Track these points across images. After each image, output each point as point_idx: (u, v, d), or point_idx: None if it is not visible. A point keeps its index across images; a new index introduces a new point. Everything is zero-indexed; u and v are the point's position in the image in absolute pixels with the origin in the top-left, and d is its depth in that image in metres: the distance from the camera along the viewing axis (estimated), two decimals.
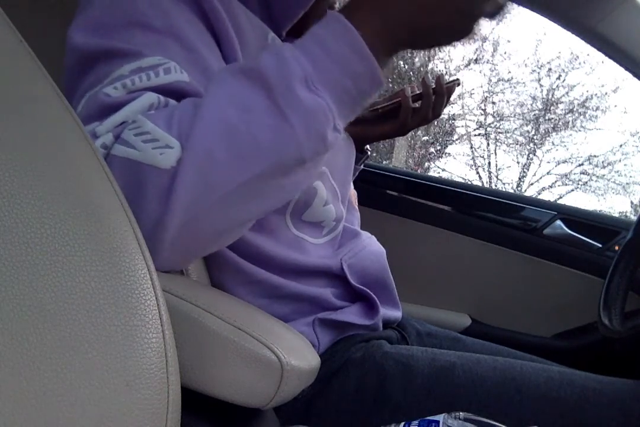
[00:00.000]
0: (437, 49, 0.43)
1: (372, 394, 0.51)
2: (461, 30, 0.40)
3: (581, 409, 0.47)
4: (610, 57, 0.84)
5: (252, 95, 0.36)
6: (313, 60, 0.37)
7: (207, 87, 0.38)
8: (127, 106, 0.38)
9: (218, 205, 0.36)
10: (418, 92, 0.71)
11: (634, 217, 2.70)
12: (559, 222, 1.16)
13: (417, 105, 0.72)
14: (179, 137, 0.35)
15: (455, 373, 0.51)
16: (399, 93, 0.72)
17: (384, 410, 0.50)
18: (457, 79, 0.73)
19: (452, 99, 0.75)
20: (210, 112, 0.35)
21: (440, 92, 0.71)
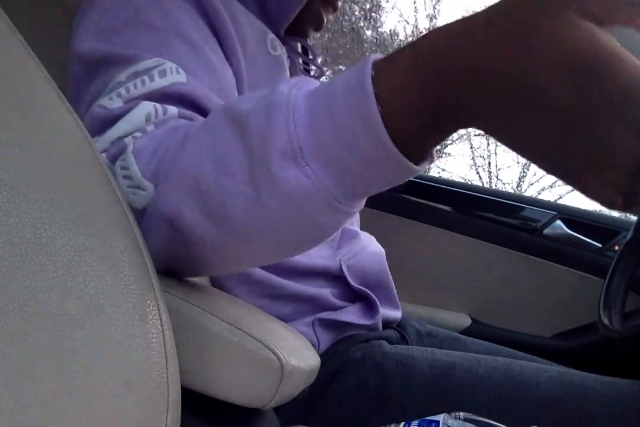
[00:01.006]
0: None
1: (372, 394, 0.51)
2: (618, 151, 0.21)
3: (581, 409, 0.47)
4: None
5: (233, 151, 0.29)
6: (312, 125, 0.27)
7: (202, 123, 0.33)
8: (122, 120, 0.37)
9: (194, 253, 0.33)
10: None
11: (634, 217, 2.70)
12: (559, 222, 1.16)
13: None
14: (153, 180, 0.33)
15: (455, 373, 0.51)
16: None
17: (384, 410, 0.50)
18: None
19: None
20: (187, 162, 0.31)
21: None
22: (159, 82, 0.39)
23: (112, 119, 0.37)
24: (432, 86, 0.25)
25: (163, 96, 0.39)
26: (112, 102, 0.38)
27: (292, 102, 0.28)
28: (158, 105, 0.38)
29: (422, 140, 0.27)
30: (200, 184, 0.30)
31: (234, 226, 0.30)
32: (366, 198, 0.32)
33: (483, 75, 0.23)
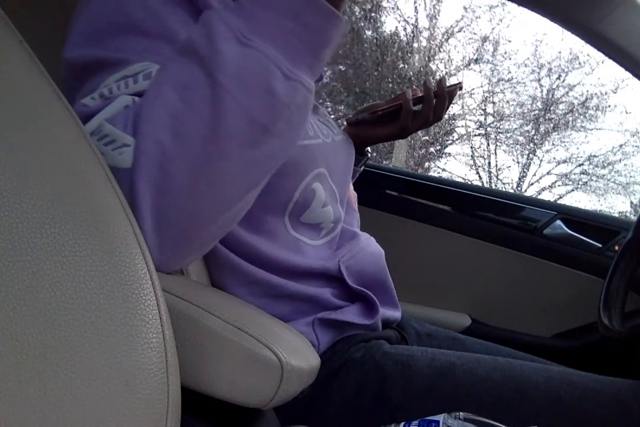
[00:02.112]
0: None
1: (372, 394, 0.51)
2: None
3: (581, 409, 0.47)
4: (610, 57, 0.84)
5: (186, 70, 0.35)
6: (242, 12, 0.34)
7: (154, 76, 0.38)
8: (101, 112, 0.37)
9: (185, 194, 0.34)
10: (419, 95, 0.71)
11: (634, 217, 2.70)
12: (559, 222, 1.16)
13: (418, 108, 0.72)
14: (133, 133, 0.34)
15: (455, 373, 0.51)
16: (400, 96, 0.72)
17: (384, 410, 0.50)
18: (460, 83, 0.73)
19: (453, 100, 0.75)
20: (153, 100, 0.34)
21: (442, 95, 0.71)
22: (143, 84, 0.39)
23: (91, 114, 0.38)
24: None
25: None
26: (93, 101, 0.39)
27: (218, 11, 0.35)
28: (136, 98, 0.38)
29: None
30: (169, 108, 0.33)
31: (212, 131, 0.33)
32: (315, 72, 0.37)
33: None
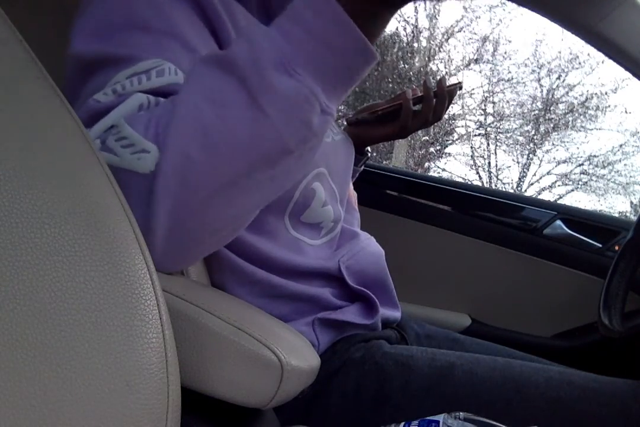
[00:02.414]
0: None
1: (372, 394, 0.51)
2: None
3: (581, 409, 0.47)
4: (610, 57, 0.84)
5: (225, 87, 0.34)
6: (290, 40, 0.34)
7: (184, 81, 0.37)
8: (116, 109, 0.37)
9: (204, 206, 0.35)
10: (419, 94, 0.71)
11: (634, 217, 2.70)
12: (559, 222, 1.16)
13: (418, 108, 0.72)
14: (156, 140, 0.34)
15: (454, 373, 0.51)
16: (400, 95, 0.72)
17: (384, 410, 0.50)
18: (459, 82, 0.73)
19: (452, 100, 0.75)
20: (184, 111, 0.34)
21: (442, 95, 0.71)
22: (156, 81, 0.39)
23: (104, 111, 0.38)
24: None
25: (157, 94, 0.39)
26: (106, 97, 0.39)
27: (264, 29, 0.35)
28: (151, 97, 0.38)
29: (373, 32, 0.36)
30: (202, 123, 0.33)
31: (243, 150, 0.34)
32: (340, 102, 0.39)
33: None
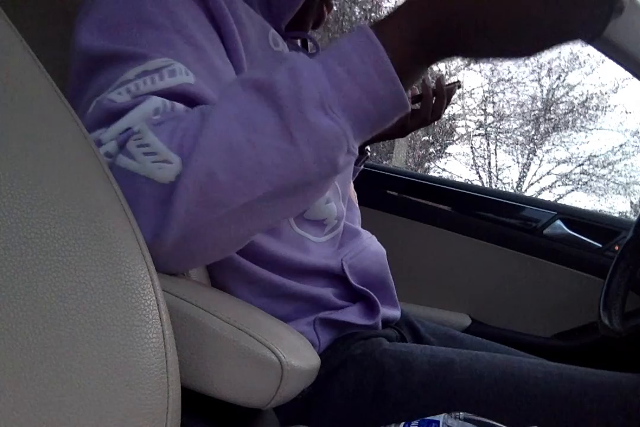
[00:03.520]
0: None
1: (372, 391, 0.51)
2: (563, 29, 0.33)
3: (581, 404, 0.47)
4: (610, 57, 0.84)
5: (261, 113, 0.34)
6: (333, 80, 0.34)
7: (218, 98, 0.37)
8: (132, 112, 0.37)
9: (217, 224, 0.35)
10: (418, 93, 0.71)
11: (634, 217, 2.70)
12: (559, 222, 1.16)
13: (417, 106, 0.72)
14: (180, 152, 0.34)
15: (454, 370, 0.51)
16: None
17: (384, 407, 0.50)
18: (458, 81, 0.73)
19: (452, 99, 0.75)
20: (215, 129, 0.34)
21: (441, 94, 0.71)
22: (168, 82, 0.39)
23: (120, 112, 0.38)
24: (423, 35, 0.35)
25: (171, 95, 0.39)
26: (120, 97, 0.39)
27: (309, 62, 0.35)
28: (167, 100, 0.39)
29: (411, 82, 0.37)
30: (232, 145, 0.34)
31: (267, 178, 0.34)
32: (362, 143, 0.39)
33: (474, 13, 0.33)
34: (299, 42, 0.68)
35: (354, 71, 0.34)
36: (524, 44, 0.34)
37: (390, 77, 0.34)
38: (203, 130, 0.34)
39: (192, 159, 0.33)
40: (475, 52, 0.36)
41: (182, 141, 0.34)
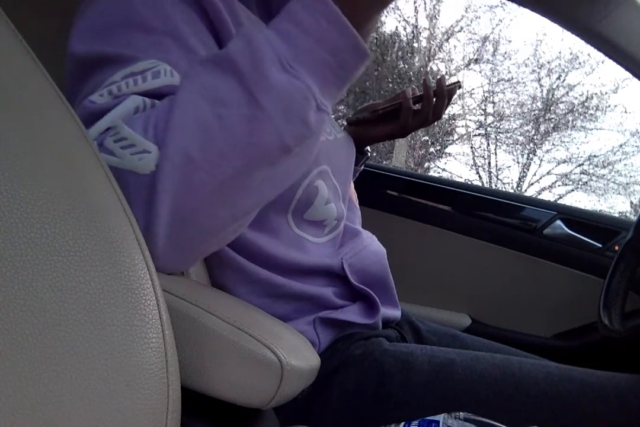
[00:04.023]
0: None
1: (372, 392, 0.51)
2: None
3: (580, 405, 0.47)
4: (610, 57, 0.84)
5: (223, 85, 0.35)
6: (287, 39, 0.35)
7: (180, 80, 0.37)
8: (112, 111, 0.37)
9: (205, 205, 0.35)
10: (419, 93, 0.71)
11: (634, 217, 2.70)
12: (559, 222, 1.16)
13: (417, 107, 0.72)
14: (156, 140, 0.34)
15: (454, 370, 0.51)
16: (400, 95, 0.72)
17: (384, 407, 0.50)
18: (458, 82, 0.73)
19: (452, 100, 0.75)
20: (182, 110, 0.34)
21: (441, 94, 0.71)
22: (151, 83, 0.39)
23: (100, 112, 0.38)
24: None
25: (154, 96, 0.39)
26: (102, 98, 0.39)
27: (261, 29, 0.36)
28: (147, 99, 0.38)
29: (365, 28, 0.38)
30: (201, 122, 0.34)
31: (242, 148, 0.34)
32: (335, 101, 0.39)
33: None
34: None
35: (305, 26, 0.35)
36: None
37: (342, 25, 0.35)
38: (171, 114, 0.34)
39: (166, 143, 0.33)
40: None
41: (155, 129, 0.34)
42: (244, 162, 0.35)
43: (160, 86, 0.39)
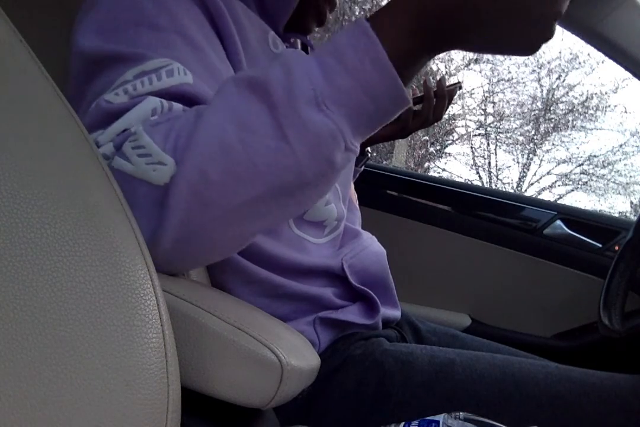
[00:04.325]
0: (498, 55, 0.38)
1: (372, 392, 0.51)
2: (539, 29, 0.34)
3: (580, 405, 0.48)
4: (610, 57, 0.84)
5: (254, 111, 0.34)
6: (327, 75, 0.33)
7: (212, 97, 0.36)
8: (129, 113, 0.37)
9: (214, 224, 0.35)
10: (419, 94, 0.71)
11: (634, 217, 2.70)
12: (559, 222, 1.16)
13: (418, 107, 0.72)
14: (174, 153, 0.34)
15: (454, 370, 0.51)
16: None
17: (384, 407, 0.50)
18: (459, 82, 0.73)
19: (452, 100, 0.75)
20: (207, 129, 0.34)
21: (442, 95, 0.71)
22: (166, 82, 0.39)
23: (117, 113, 0.37)
24: (421, 27, 0.34)
25: (169, 95, 0.39)
26: (118, 98, 0.38)
27: (303, 58, 0.34)
28: (164, 101, 0.38)
29: (410, 75, 0.37)
30: (224, 145, 0.33)
31: (261, 177, 0.34)
32: (364, 139, 0.38)
33: (466, 8, 0.33)
34: (299, 44, 0.68)
35: (348, 64, 0.33)
36: (523, 38, 0.35)
37: (386, 69, 0.33)
38: (196, 131, 0.34)
39: (184, 160, 0.33)
40: (476, 45, 0.36)
41: (176, 142, 0.34)
42: (260, 190, 0.34)
43: (175, 85, 0.39)
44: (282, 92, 0.33)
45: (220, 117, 0.34)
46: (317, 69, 0.34)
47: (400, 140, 0.80)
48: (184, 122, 0.35)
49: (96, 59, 0.41)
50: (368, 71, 0.33)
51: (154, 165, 0.34)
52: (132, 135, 0.36)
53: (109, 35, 0.42)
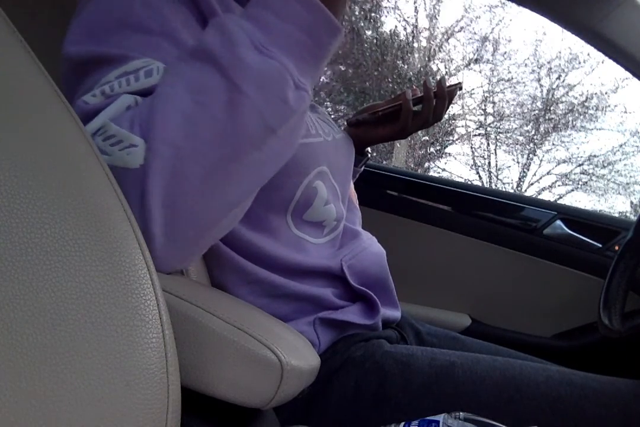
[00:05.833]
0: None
1: (372, 393, 0.51)
2: None
3: (581, 409, 0.47)
4: (610, 57, 0.84)
5: (203, 75, 0.36)
6: (258, 22, 0.37)
7: (161, 76, 0.39)
8: (104, 111, 0.37)
9: (196, 194, 0.35)
10: (419, 95, 0.71)
11: (634, 217, 2.70)
12: (559, 222, 1.16)
13: (418, 108, 0.72)
14: (141, 132, 0.34)
15: (454, 372, 0.51)
16: (400, 96, 0.72)
17: (384, 409, 0.50)
18: (459, 83, 0.73)
19: (452, 101, 0.75)
20: (164, 102, 0.35)
21: (442, 95, 0.71)
22: (145, 82, 0.39)
23: (92, 113, 0.38)
24: None
25: (146, 95, 0.39)
26: (94, 98, 0.39)
27: (232, 16, 0.38)
28: (138, 97, 0.38)
29: (335, 5, 0.40)
30: (184, 113, 0.34)
31: (227, 133, 0.35)
32: (315, 81, 0.41)
33: None
34: None
35: (275, 8, 0.37)
36: None
37: (311, 3, 0.37)
38: (155, 107, 0.35)
39: (151, 135, 0.34)
40: None
41: (141, 122, 0.35)
42: (230, 147, 0.35)
43: (153, 85, 0.39)
44: (220, 48, 0.36)
45: (172, 89, 0.36)
46: (247, 21, 0.37)
47: (400, 140, 0.80)
48: (143, 104, 0.37)
49: (83, 61, 0.42)
50: (294, 8, 0.37)
51: (127, 149, 0.34)
52: (101, 128, 0.36)
53: (95, 37, 0.42)
